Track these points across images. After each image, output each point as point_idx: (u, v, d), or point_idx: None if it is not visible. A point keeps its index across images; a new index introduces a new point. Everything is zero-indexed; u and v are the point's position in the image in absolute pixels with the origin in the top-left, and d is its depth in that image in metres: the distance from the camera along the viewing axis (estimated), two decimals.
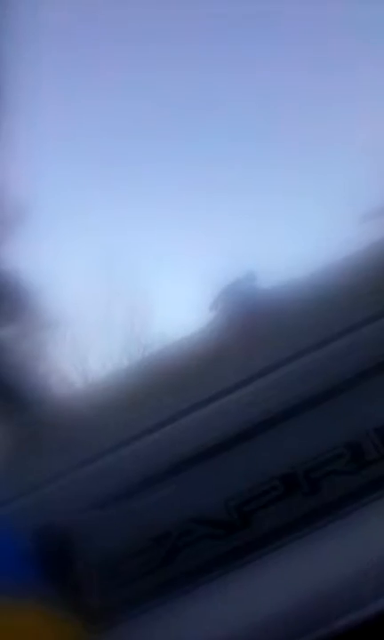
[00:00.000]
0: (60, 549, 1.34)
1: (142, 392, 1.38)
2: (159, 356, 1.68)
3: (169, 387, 1.37)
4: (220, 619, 1.25)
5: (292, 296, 1.41)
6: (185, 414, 1.35)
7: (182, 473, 1.32)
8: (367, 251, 1.39)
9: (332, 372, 1.30)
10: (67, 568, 1.34)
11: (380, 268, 1.35)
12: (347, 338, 1.32)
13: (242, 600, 1.25)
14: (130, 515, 1.33)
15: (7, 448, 1.42)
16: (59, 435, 1.39)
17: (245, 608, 1.25)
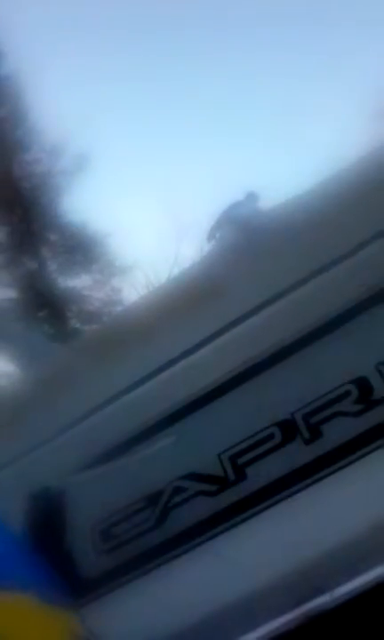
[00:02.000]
0: (52, 515, 1.27)
1: (128, 341, 1.30)
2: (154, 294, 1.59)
3: (160, 331, 1.28)
4: (218, 582, 1.10)
5: (293, 217, 1.28)
6: (175, 362, 1.25)
7: (172, 426, 1.22)
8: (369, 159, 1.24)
9: (336, 299, 1.16)
10: (60, 534, 1.26)
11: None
12: (353, 259, 1.17)
13: (240, 561, 1.10)
14: (120, 473, 1.23)
15: None
16: (45, 395, 1.34)
17: (243, 570, 1.09)
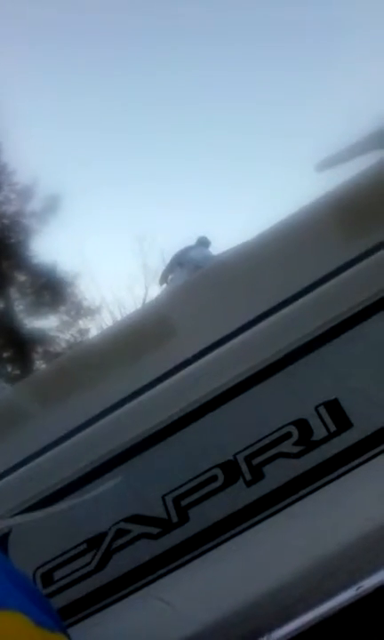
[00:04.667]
0: None
1: (73, 383, 1.30)
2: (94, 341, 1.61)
3: (105, 373, 1.29)
4: (158, 626, 1.09)
5: (244, 259, 1.32)
6: (119, 405, 1.26)
7: (115, 468, 1.22)
8: (323, 201, 1.29)
9: (281, 342, 1.18)
10: None
11: (337, 218, 1.25)
12: (303, 300, 1.21)
13: (181, 606, 1.09)
14: (64, 516, 1.22)
15: None
16: None
17: (184, 614, 1.08)
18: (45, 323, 16.75)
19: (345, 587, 0.95)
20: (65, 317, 16.84)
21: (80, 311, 16.86)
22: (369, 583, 0.92)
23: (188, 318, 1.32)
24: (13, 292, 16.72)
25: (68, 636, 0.99)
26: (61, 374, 1.40)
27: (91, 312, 16.59)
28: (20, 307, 16.68)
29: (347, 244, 1.24)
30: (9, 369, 15.83)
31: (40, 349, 16.31)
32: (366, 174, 1.30)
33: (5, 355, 16.23)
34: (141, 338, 1.32)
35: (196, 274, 1.56)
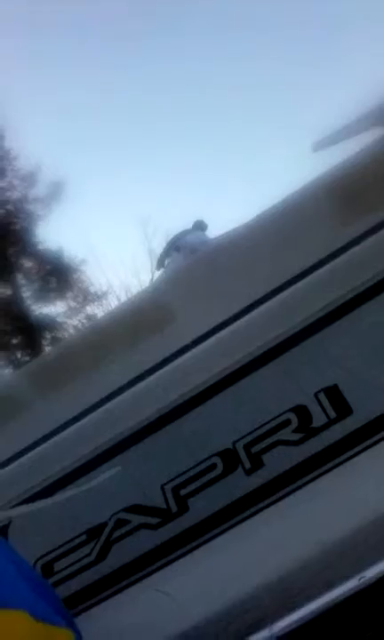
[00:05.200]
0: None
1: (70, 370, 1.28)
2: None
3: (103, 360, 1.26)
4: (159, 616, 1.08)
5: (241, 243, 1.28)
6: (115, 395, 1.24)
7: (114, 458, 1.20)
8: (320, 182, 1.25)
9: (279, 327, 1.16)
10: None
11: (334, 198, 1.21)
12: (304, 281, 1.18)
13: (181, 597, 1.07)
14: (64, 507, 1.20)
15: None
16: None
17: (184, 606, 1.07)
18: (53, 309, 16.76)
19: (347, 577, 0.93)
20: (72, 303, 16.83)
21: (87, 297, 16.83)
22: (371, 573, 0.90)
23: (185, 304, 1.29)
24: (20, 279, 16.72)
25: (74, 628, 0.98)
26: (59, 363, 1.38)
27: (98, 297, 16.57)
28: (27, 293, 16.68)
29: (345, 225, 1.21)
30: (18, 355, 15.88)
31: (48, 335, 16.34)
32: (363, 153, 1.26)
33: (14, 341, 16.27)
34: (138, 325, 1.30)
35: (192, 258, 1.53)
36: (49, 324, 16.42)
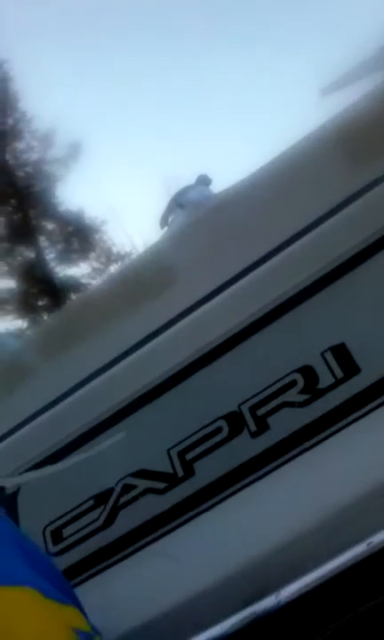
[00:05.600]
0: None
1: (72, 336, 1.25)
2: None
3: (106, 324, 1.23)
4: (167, 581, 1.07)
5: (244, 198, 1.23)
6: (119, 360, 1.21)
7: (119, 423, 1.18)
8: (325, 129, 1.18)
9: (283, 285, 1.11)
10: None
11: (340, 146, 1.15)
12: (308, 236, 1.13)
13: (188, 560, 1.06)
14: (70, 473, 1.19)
15: None
16: None
17: (191, 570, 1.05)
18: (76, 270, 16.81)
19: (355, 542, 0.90)
20: (95, 264, 16.85)
21: (110, 257, 16.83)
22: (379, 538, 0.87)
23: (188, 264, 1.25)
24: (42, 241, 16.74)
25: (79, 606, 0.97)
26: (61, 328, 1.35)
27: (121, 257, 16.55)
28: (50, 255, 16.72)
29: (352, 175, 1.14)
30: (44, 317, 16.02)
31: (73, 297, 16.42)
32: (371, 96, 1.18)
33: (40, 303, 16.40)
34: (141, 286, 1.26)
35: (194, 216, 1.48)
36: (73, 286, 16.49)
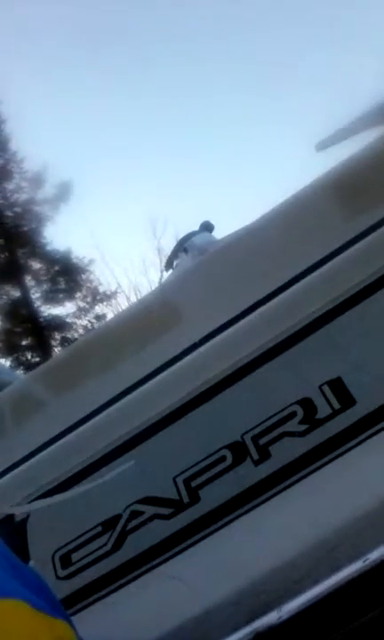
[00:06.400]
0: (14, 543, 1.28)
1: (81, 371, 1.33)
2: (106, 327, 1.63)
3: (113, 360, 1.31)
4: (174, 603, 1.12)
5: (246, 243, 1.33)
6: (126, 393, 1.28)
7: (127, 453, 1.25)
8: (323, 180, 1.29)
9: (284, 323, 1.20)
10: (22, 561, 1.27)
11: (337, 196, 1.25)
12: (307, 279, 1.22)
13: (194, 583, 1.12)
14: (80, 500, 1.25)
15: None
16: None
17: (197, 590, 1.11)
18: (62, 309, 16.86)
19: (352, 559, 0.98)
20: (81, 303, 16.93)
21: (96, 297, 16.93)
22: (374, 555, 0.94)
23: (192, 304, 1.34)
24: (29, 280, 16.81)
25: (69, 621, 1.01)
26: (70, 363, 1.43)
27: (107, 297, 16.65)
28: (36, 294, 16.78)
29: (348, 223, 1.25)
30: (28, 356, 15.98)
31: (58, 336, 16.43)
32: (366, 151, 1.30)
33: (24, 342, 16.37)
34: (148, 324, 1.34)
35: (199, 259, 1.57)
36: (58, 325, 16.51)
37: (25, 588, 0.98)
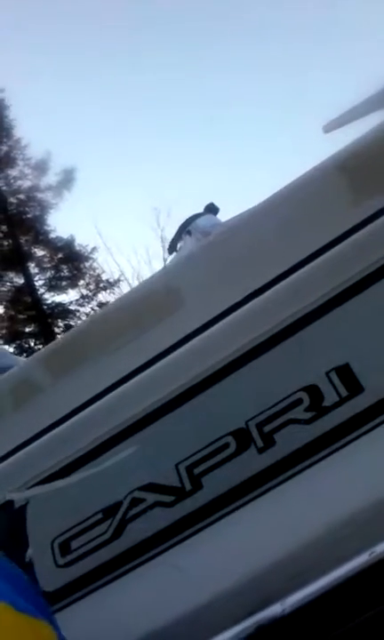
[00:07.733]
0: (13, 529, 1.27)
1: (83, 355, 1.30)
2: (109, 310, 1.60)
3: (115, 344, 1.28)
4: (175, 592, 1.10)
5: (251, 226, 1.29)
6: (129, 378, 1.26)
7: (129, 438, 1.22)
8: (329, 163, 1.25)
9: (290, 308, 1.17)
10: (22, 548, 1.25)
11: (344, 180, 1.22)
12: (315, 263, 1.19)
13: (196, 571, 1.10)
14: (80, 486, 1.23)
15: None
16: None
17: (198, 581, 1.09)
18: (66, 297, 16.85)
19: (358, 552, 0.95)
20: (84, 291, 16.90)
21: (99, 284, 16.90)
22: (381, 548, 0.91)
23: (195, 288, 1.30)
24: (33, 267, 16.79)
25: (52, 621, 0.99)
26: (72, 347, 1.40)
27: (110, 285, 16.62)
28: (39, 281, 16.76)
29: (355, 207, 1.21)
30: (32, 343, 15.99)
31: (61, 323, 16.43)
32: (374, 133, 1.26)
33: (28, 329, 16.37)
34: (150, 309, 1.31)
35: (202, 242, 1.54)
36: (62, 312, 16.50)
37: (9, 589, 0.96)
